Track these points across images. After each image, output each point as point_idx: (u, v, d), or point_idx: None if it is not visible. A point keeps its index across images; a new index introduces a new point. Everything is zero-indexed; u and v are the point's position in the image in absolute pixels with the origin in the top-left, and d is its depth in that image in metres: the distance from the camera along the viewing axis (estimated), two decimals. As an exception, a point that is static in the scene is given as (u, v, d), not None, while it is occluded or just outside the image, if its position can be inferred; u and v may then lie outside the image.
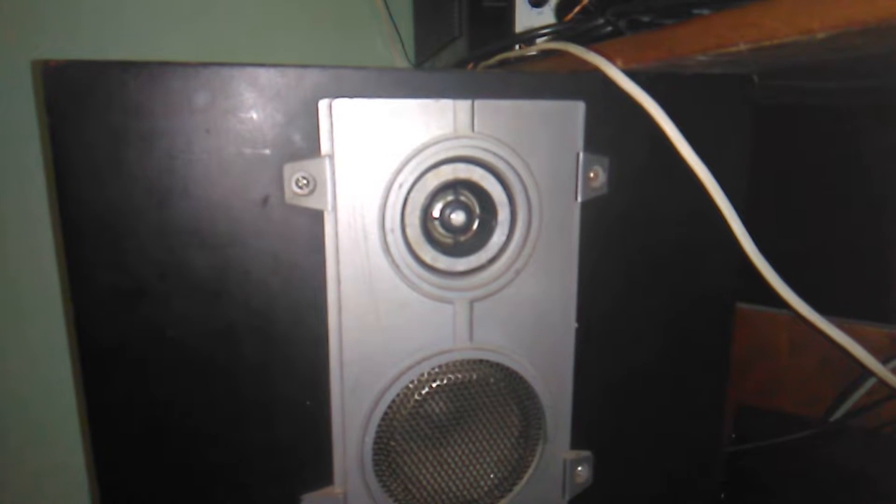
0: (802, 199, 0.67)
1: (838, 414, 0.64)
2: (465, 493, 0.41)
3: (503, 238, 0.37)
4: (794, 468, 0.56)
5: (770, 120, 0.59)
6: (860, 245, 0.64)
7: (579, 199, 0.38)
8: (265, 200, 0.34)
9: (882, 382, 0.52)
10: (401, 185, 0.35)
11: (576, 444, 0.43)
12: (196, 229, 0.34)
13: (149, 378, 0.35)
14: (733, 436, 0.60)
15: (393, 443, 0.38)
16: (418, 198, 0.36)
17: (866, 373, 0.62)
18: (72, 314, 0.34)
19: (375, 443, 0.38)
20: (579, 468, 0.43)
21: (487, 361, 0.39)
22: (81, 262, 0.33)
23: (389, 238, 0.35)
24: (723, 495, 0.50)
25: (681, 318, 0.44)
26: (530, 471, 0.42)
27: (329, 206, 0.34)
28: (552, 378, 0.41)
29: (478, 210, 0.38)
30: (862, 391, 0.63)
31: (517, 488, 0.42)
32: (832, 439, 0.60)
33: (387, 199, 0.35)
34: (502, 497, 0.42)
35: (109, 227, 0.33)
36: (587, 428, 0.43)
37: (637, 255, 0.42)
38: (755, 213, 0.42)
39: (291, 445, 0.38)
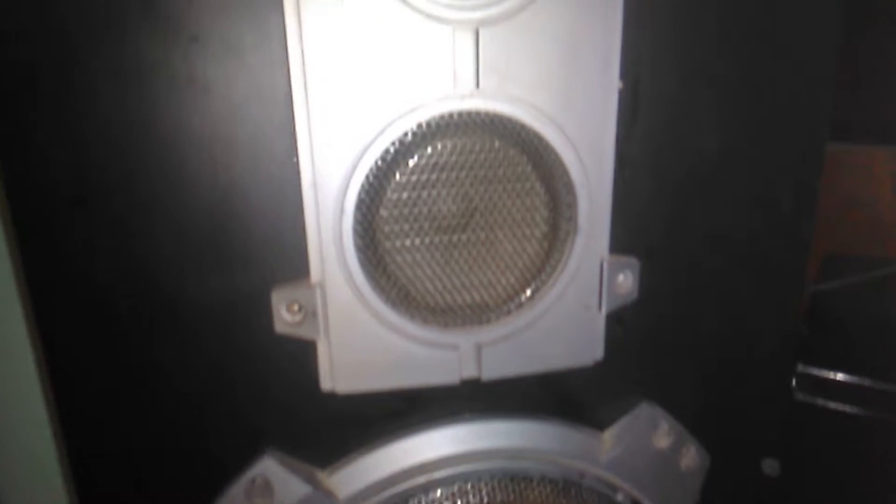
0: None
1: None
2: (475, 295, 0.33)
3: (520, -64, 0.28)
4: (884, 309, 0.46)
5: None
6: None
7: None
8: None
9: None
10: None
11: (617, 245, 0.34)
12: None
13: (71, 122, 0.28)
14: (819, 280, 0.49)
15: (378, 220, 0.30)
16: None
17: None
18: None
19: (357, 219, 0.30)
20: (621, 276, 0.34)
21: (500, 116, 0.30)
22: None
23: (360, -78, 0.26)
24: (807, 332, 0.40)
25: (764, 91, 0.34)
26: (559, 271, 0.33)
27: None
28: (587, 149, 0.31)
29: None
30: None
31: (542, 293, 0.33)
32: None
33: None
34: (524, 304, 0.33)
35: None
36: (632, 226, 0.34)
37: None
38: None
39: (254, 222, 0.30)
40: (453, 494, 0.34)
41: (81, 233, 0.29)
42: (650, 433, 0.38)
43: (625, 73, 0.31)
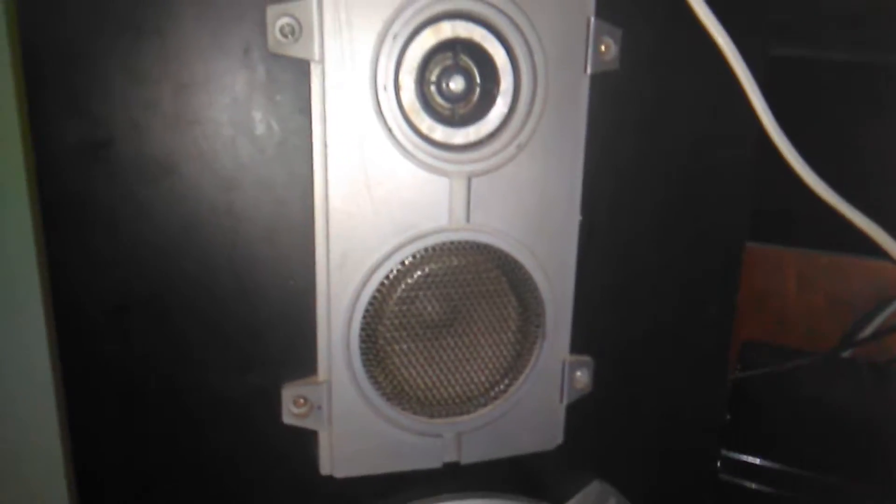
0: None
1: (847, 352, 0.62)
2: (458, 390, 0.39)
3: (505, 109, 0.35)
4: (799, 398, 0.54)
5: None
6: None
7: (589, 71, 0.35)
8: (246, 50, 0.31)
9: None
10: (395, 37, 0.32)
11: (576, 347, 0.40)
12: (171, 72, 0.31)
13: (118, 240, 0.32)
14: (738, 367, 0.58)
15: (381, 328, 0.36)
16: (414, 56, 0.33)
17: (879, 305, 0.60)
18: (33, 170, 0.31)
19: (363, 328, 0.35)
20: (578, 373, 0.41)
21: (485, 245, 0.36)
22: (43, 112, 0.30)
23: (382, 97, 0.32)
24: (728, 416, 0.47)
25: (691, 219, 0.42)
26: (528, 370, 0.39)
27: (316, 56, 0.31)
28: (553, 270, 0.38)
29: (478, 78, 0.35)
30: (873, 326, 0.61)
31: (513, 388, 0.39)
32: (838, 371, 0.58)
33: (380, 52, 0.32)
34: (498, 397, 0.39)
35: (73, 66, 0.30)
36: (588, 331, 0.41)
37: (647, 143, 0.39)
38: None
39: (272, 329, 0.35)
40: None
41: (120, 334, 0.33)
42: (601, 507, 0.44)
43: (583, 209, 0.38)
